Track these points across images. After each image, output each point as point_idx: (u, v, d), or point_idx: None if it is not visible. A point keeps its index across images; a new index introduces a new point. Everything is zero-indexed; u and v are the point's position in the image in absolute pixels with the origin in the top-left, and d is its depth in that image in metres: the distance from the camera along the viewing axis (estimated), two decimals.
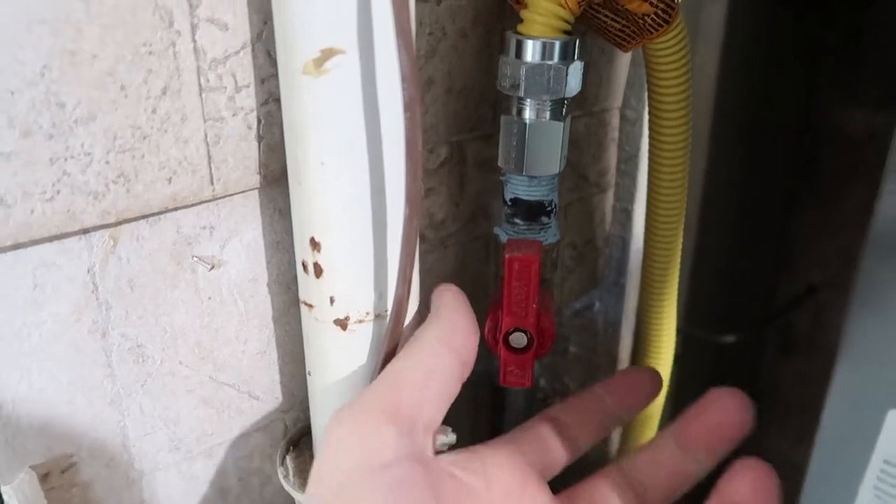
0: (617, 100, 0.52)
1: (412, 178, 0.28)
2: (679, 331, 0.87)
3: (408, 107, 0.27)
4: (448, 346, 0.30)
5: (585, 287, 0.57)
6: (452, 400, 0.30)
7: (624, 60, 0.51)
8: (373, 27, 0.27)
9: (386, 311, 0.33)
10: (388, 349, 0.32)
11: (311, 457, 0.38)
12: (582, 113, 0.49)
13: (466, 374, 0.31)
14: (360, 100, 0.28)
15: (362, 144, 0.29)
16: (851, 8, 0.79)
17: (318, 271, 0.32)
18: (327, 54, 0.27)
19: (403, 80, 0.26)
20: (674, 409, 0.93)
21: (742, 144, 0.80)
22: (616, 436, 0.66)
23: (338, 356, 0.34)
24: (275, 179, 0.34)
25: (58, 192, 0.27)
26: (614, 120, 0.53)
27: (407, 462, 0.27)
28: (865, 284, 0.45)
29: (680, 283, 0.86)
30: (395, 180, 0.30)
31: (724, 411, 0.31)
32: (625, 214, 0.57)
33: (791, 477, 0.56)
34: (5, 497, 0.31)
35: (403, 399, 0.28)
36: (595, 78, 0.49)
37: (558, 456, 0.37)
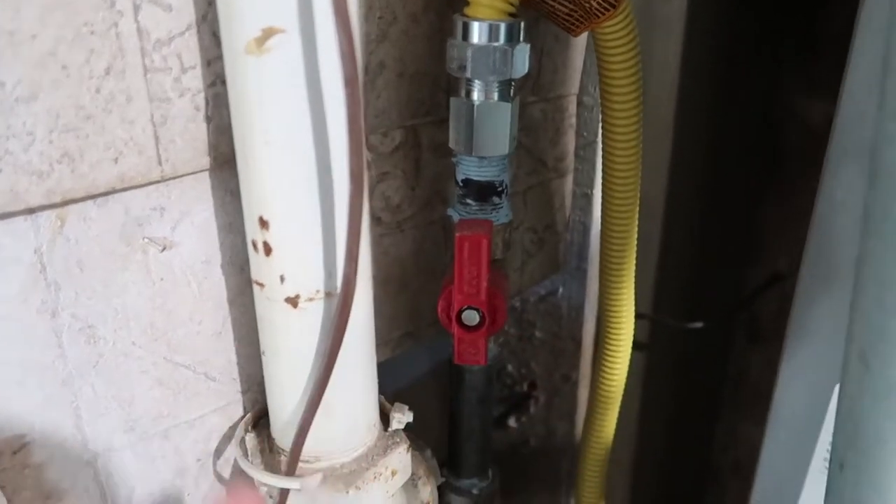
0: (573, 86, 0.53)
1: (355, 154, 0.29)
2: (647, 317, 0.88)
3: (348, 83, 0.27)
4: None
5: (547, 271, 0.58)
6: None
7: (579, 47, 0.51)
8: (312, 6, 0.28)
9: (336, 288, 0.33)
10: (339, 327, 0.32)
11: (269, 437, 0.39)
12: (537, 99, 0.50)
13: None
14: (303, 78, 0.29)
15: (306, 123, 0.30)
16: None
17: (268, 250, 0.32)
18: (268, 33, 0.28)
19: (342, 56, 0.27)
20: (642, 395, 0.95)
21: (706, 134, 0.82)
22: (580, 420, 0.67)
23: (290, 334, 0.34)
24: (225, 161, 0.34)
25: (0, 171, 0.28)
26: (571, 106, 0.53)
27: None
28: (813, 266, 0.47)
29: (647, 271, 0.87)
30: (341, 158, 0.31)
31: None
32: (585, 199, 0.58)
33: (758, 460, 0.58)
34: None
35: None
36: (550, 64, 0.50)
37: None
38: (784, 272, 0.96)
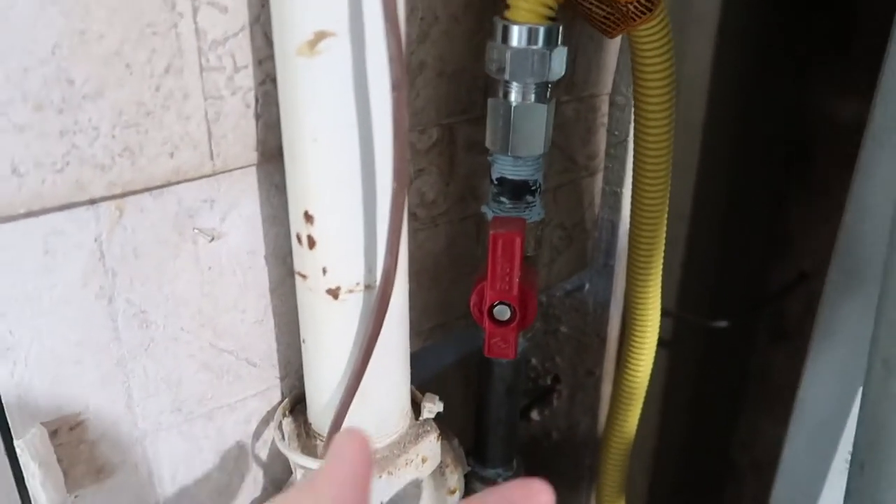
0: (606, 86, 0.53)
1: (399, 154, 0.30)
2: (671, 315, 0.89)
3: (395, 87, 0.29)
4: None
5: (574, 268, 0.59)
6: None
7: (613, 47, 0.52)
8: (363, 11, 0.29)
9: (375, 281, 0.35)
10: (377, 318, 0.34)
11: (306, 422, 0.40)
12: (571, 98, 0.51)
13: None
14: (351, 80, 0.30)
15: (353, 122, 0.31)
16: None
17: (312, 243, 0.34)
18: (320, 36, 0.29)
19: (391, 61, 0.28)
20: (665, 393, 0.95)
21: (735, 132, 0.81)
22: (602, 415, 0.68)
23: (330, 324, 0.36)
24: (272, 156, 0.36)
25: (67, 164, 0.29)
26: (603, 105, 0.54)
27: None
28: (841, 267, 0.47)
29: (672, 269, 0.87)
30: (384, 157, 0.32)
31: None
32: (614, 197, 0.59)
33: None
34: (18, 451, 0.33)
35: None
36: (584, 64, 0.50)
37: None
38: (810, 271, 0.95)
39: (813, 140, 0.90)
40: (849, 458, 0.51)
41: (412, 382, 0.41)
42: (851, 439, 0.50)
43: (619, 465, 0.63)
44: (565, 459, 0.74)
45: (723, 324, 0.92)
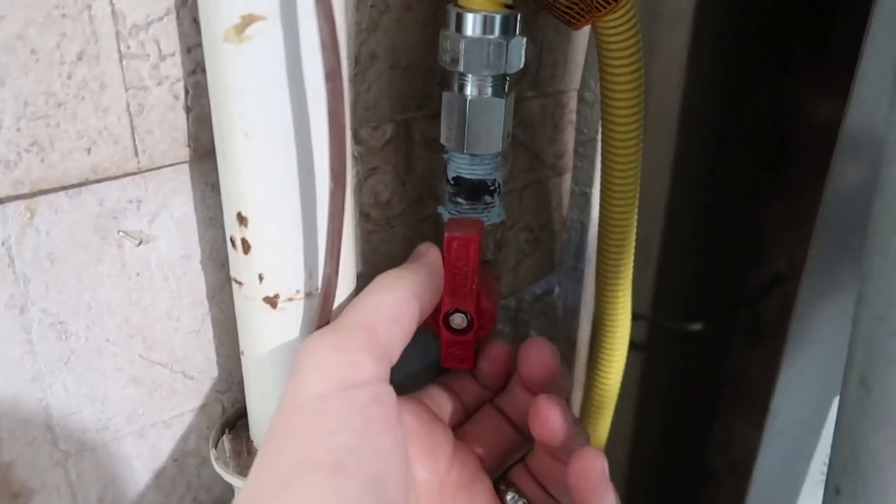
0: (574, 81, 0.51)
1: (336, 151, 0.27)
2: (645, 318, 0.87)
3: (329, 77, 0.26)
4: (419, 299, 0.32)
5: (541, 272, 0.57)
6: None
7: (581, 41, 0.50)
8: None
9: (317, 289, 0.32)
10: (318, 328, 0.31)
11: (249, 439, 0.38)
12: (536, 94, 0.48)
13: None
14: (284, 69, 0.28)
15: (287, 116, 0.28)
16: None
17: (247, 247, 0.31)
18: (248, 20, 0.27)
19: (323, 48, 0.26)
20: (639, 397, 0.94)
21: (710, 131, 0.80)
22: None
23: (269, 335, 0.33)
24: (206, 153, 0.33)
25: None
26: (571, 102, 0.52)
27: (380, 383, 0.30)
28: (815, 272, 0.45)
29: (646, 271, 0.86)
30: (322, 154, 0.29)
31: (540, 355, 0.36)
32: (583, 198, 0.56)
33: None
34: None
35: (380, 332, 0.30)
36: (550, 58, 0.48)
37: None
38: (786, 273, 0.94)
39: (790, 140, 0.89)
40: (824, 469, 0.49)
41: None
42: (827, 451, 0.48)
43: None
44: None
45: (698, 327, 0.91)
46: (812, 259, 0.43)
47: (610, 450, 0.61)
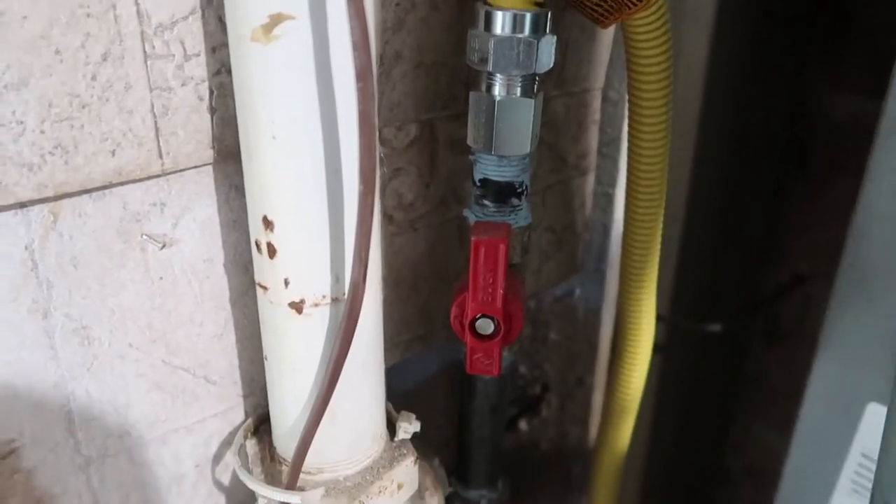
0: (598, 80, 0.50)
1: (366, 152, 0.27)
2: (664, 319, 0.86)
3: (360, 76, 0.25)
4: None
5: (564, 273, 0.56)
6: None
7: (606, 40, 0.49)
8: None
9: (343, 294, 0.31)
10: (345, 336, 0.30)
11: (271, 444, 0.37)
12: (560, 93, 0.47)
13: None
14: (313, 69, 0.27)
15: (315, 117, 0.28)
16: None
17: (272, 252, 0.30)
18: (276, 20, 0.26)
19: (355, 48, 0.25)
20: (656, 398, 0.92)
21: (731, 130, 0.79)
22: (593, 425, 0.65)
23: (294, 341, 0.32)
24: (230, 154, 0.32)
25: None
26: (595, 101, 0.51)
27: None
28: (848, 277, 0.44)
29: (665, 271, 0.85)
30: (351, 156, 0.29)
31: None
32: (606, 199, 0.55)
33: (776, 465, 0.55)
34: None
35: None
36: (575, 57, 0.47)
37: None
38: (805, 274, 0.93)
39: (810, 139, 0.88)
40: (855, 477, 0.48)
41: (390, 393, 0.38)
42: (858, 459, 0.47)
43: (613, 477, 0.60)
44: (554, 470, 0.71)
45: (717, 327, 0.90)
46: (844, 266, 0.42)
47: (628, 450, 0.60)
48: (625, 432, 0.58)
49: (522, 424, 0.69)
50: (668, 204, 0.74)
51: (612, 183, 0.54)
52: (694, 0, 0.70)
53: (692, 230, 0.82)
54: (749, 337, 1.00)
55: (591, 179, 0.54)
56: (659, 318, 0.83)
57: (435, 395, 0.54)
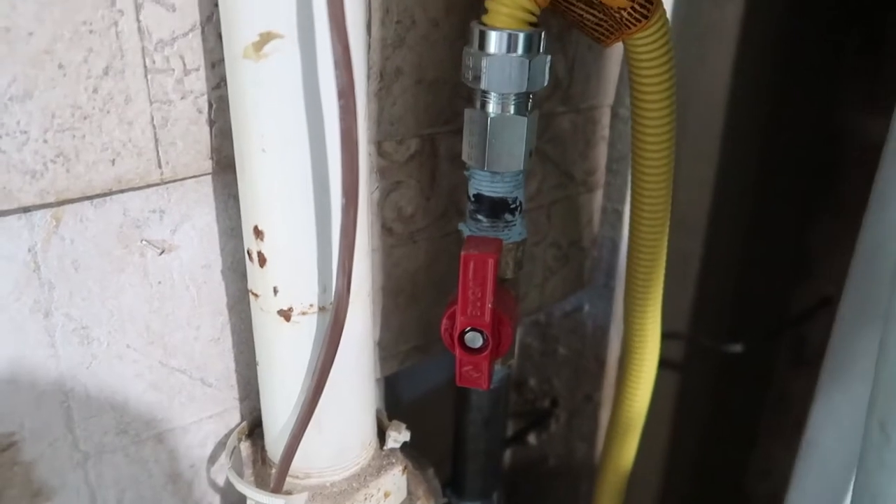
0: (607, 97, 0.50)
1: (348, 168, 0.27)
2: (683, 337, 0.84)
3: (342, 94, 0.26)
4: None
5: (570, 289, 0.56)
6: None
7: (615, 57, 0.49)
8: (312, 12, 0.27)
9: (331, 303, 0.32)
10: (330, 344, 0.31)
11: (263, 447, 0.38)
12: (567, 109, 0.48)
13: None
14: (300, 86, 0.28)
15: (303, 132, 0.29)
16: (874, 8, 0.76)
17: (262, 260, 0.31)
18: (266, 38, 0.27)
19: (336, 66, 0.26)
20: (674, 419, 0.91)
21: (757, 147, 0.78)
22: (600, 443, 0.65)
23: (282, 348, 0.33)
24: (228, 165, 0.34)
25: None
26: (604, 118, 0.51)
27: None
28: (854, 300, 0.43)
29: (686, 288, 0.83)
30: (338, 170, 0.29)
31: None
32: (615, 215, 0.55)
33: None
34: None
35: None
36: (582, 74, 0.47)
37: None
38: (833, 297, 0.91)
39: (841, 158, 0.86)
40: None
41: (395, 402, 0.39)
42: None
43: (616, 496, 0.60)
44: (562, 486, 0.70)
45: (738, 348, 0.88)
46: (849, 290, 0.41)
47: (641, 473, 0.59)
48: (629, 450, 0.57)
49: (531, 438, 0.69)
50: (688, 219, 0.73)
51: (622, 199, 0.54)
52: (718, 13, 0.69)
53: (714, 246, 0.81)
54: (773, 359, 0.98)
55: (599, 196, 0.54)
56: (678, 336, 0.82)
57: (440, 405, 0.54)
